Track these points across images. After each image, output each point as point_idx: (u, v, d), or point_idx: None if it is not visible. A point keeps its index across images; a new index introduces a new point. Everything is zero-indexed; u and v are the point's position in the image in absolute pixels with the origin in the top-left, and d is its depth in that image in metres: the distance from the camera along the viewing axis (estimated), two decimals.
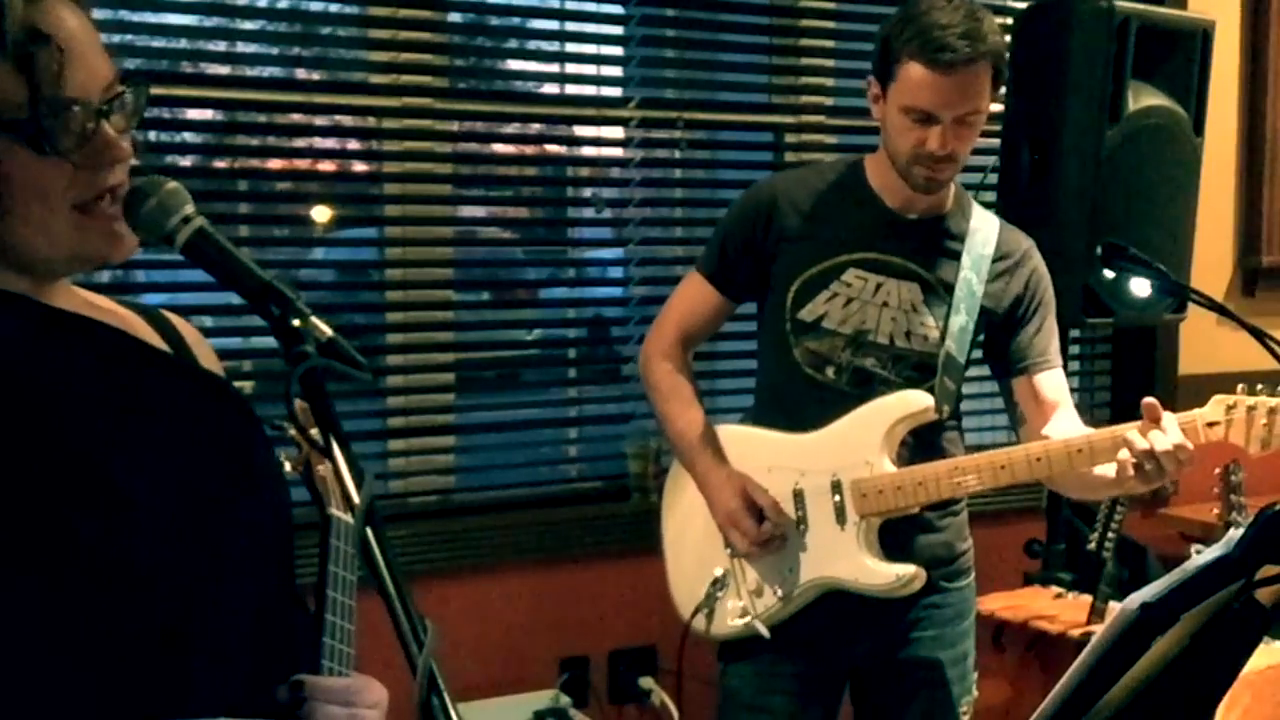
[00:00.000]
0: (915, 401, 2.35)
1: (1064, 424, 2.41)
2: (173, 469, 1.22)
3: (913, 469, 2.34)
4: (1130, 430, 2.17)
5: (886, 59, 2.27)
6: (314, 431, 1.16)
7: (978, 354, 2.48)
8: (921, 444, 2.38)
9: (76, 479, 1.14)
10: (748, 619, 2.39)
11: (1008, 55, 2.30)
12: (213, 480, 1.25)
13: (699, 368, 2.58)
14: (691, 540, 2.48)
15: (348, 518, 1.36)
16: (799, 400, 2.41)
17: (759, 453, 2.42)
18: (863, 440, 2.35)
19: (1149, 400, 2.17)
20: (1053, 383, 2.45)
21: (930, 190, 2.34)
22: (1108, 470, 2.24)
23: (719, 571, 2.43)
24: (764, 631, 2.38)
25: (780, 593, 2.39)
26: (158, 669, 1.17)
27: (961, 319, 2.37)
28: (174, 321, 1.38)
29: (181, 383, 1.30)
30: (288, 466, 1.39)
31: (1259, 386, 2.21)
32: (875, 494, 2.33)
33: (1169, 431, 2.14)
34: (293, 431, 1.39)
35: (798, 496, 2.39)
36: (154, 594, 1.17)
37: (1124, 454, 2.16)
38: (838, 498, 2.35)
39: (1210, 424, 2.20)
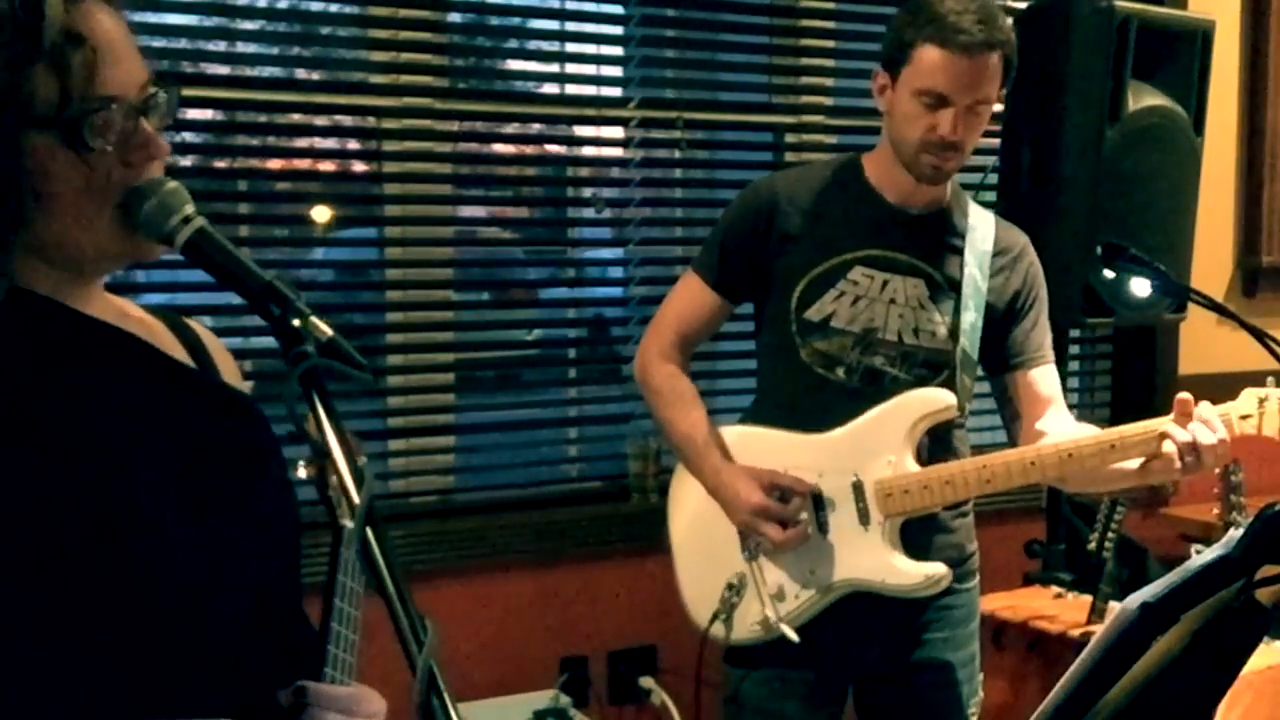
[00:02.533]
0: (938, 400, 2.34)
1: (1058, 419, 2.42)
2: (187, 484, 1.22)
3: (939, 467, 2.33)
4: (1167, 424, 2.19)
5: (900, 46, 2.27)
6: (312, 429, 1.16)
7: None
8: (935, 442, 2.38)
9: (91, 491, 1.15)
10: (770, 623, 2.35)
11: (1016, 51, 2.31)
12: (225, 495, 1.26)
13: (699, 368, 2.57)
14: (701, 544, 2.45)
15: None
16: (809, 401, 2.39)
17: (774, 454, 2.39)
18: (884, 439, 2.34)
19: (1183, 395, 2.19)
20: (1047, 378, 2.45)
21: (935, 181, 2.34)
22: (1128, 463, 2.26)
23: (733, 576, 2.39)
24: (793, 635, 2.34)
25: (802, 595, 2.36)
26: (165, 680, 1.18)
27: (972, 315, 2.37)
28: (198, 331, 1.39)
29: (200, 397, 1.31)
30: (301, 472, 1.39)
31: None
32: (900, 494, 2.31)
33: (1211, 424, 2.16)
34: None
35: (816, 498, 2.37)
36: (163, 606, 1.18)
37: (1169, 447, 2.18)
38: (860, 498, 2.34)
39: (1244, 416, 2.22)
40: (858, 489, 2.34)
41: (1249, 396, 2.23)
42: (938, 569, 2.34)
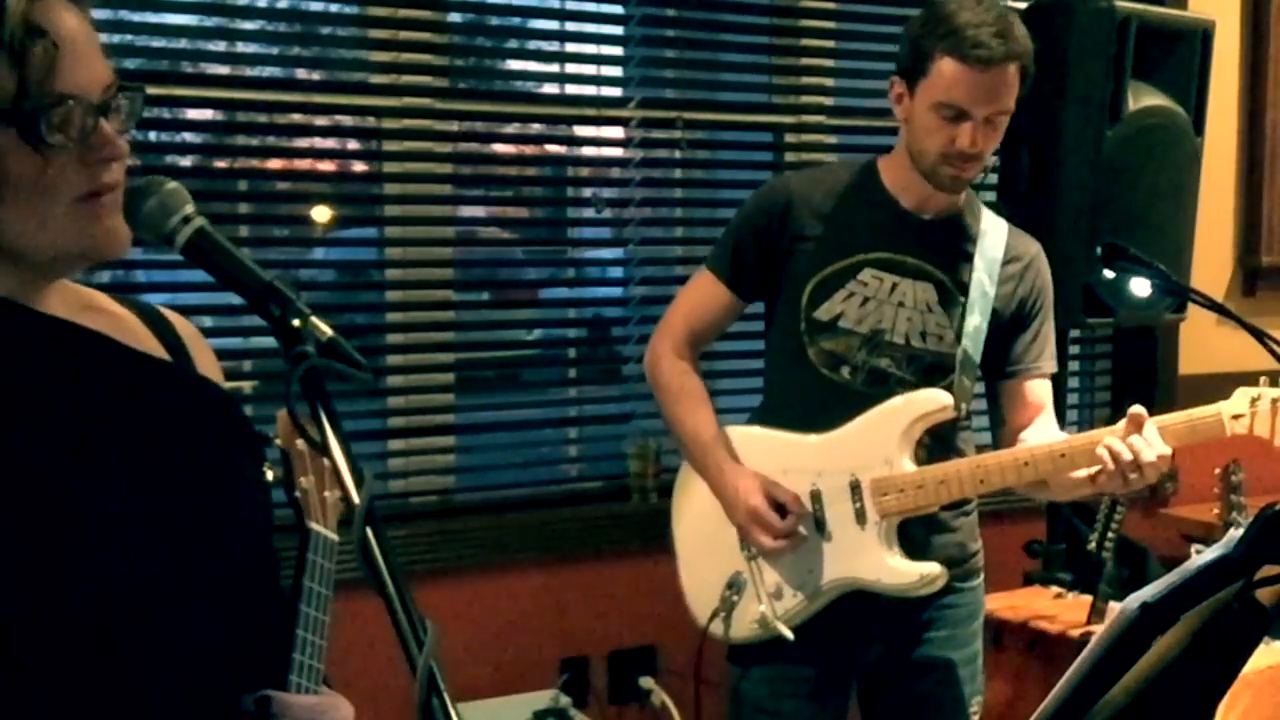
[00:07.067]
0: (933, 400, 2.35)
1: (1044, 427, 2.44)
2: (147, 487, 1.20)
3: (933, 467, 2.34)
4: (1110, 437, 2.21)
5: (917, 56, 2.27)
6: (311, 431, 1.16)
7: None
8: (938, 443, 2.38)
9: (38, 498, 1.13)
10: (768, 621, 2.36)
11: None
12: (190, 497, 1.23)
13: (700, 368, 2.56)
14: (704, 543, 2.46)
15: (328, 532, 1.36)
16: (814, 400, 2.39)
17: (774, 455, 2.40)
18: (880, 440, 2.34)
19: (1135, 409, 2.21)
20: (1040, 389, 2.48)
21: (955, 190, 2.35)
22: (1078, 473, 2.28)
23: (735, 574, 2.40)
24: (788, 634, 2.35)
25: (801, 594, 2.37)
26: (115, 694, 1.16)
27: (976, 320, 2.38)
28: (173, 321, 1.36)
29: (167, 391, 1.28)
30: (269, 475, 1.38)
31: None
32: (896, 493, 2.32)
33: (1152, 440, 2.18)
34: (278, 441, 1.38)
35: (815, 497, 2.37)
36: (111, 620, 1.15)
37: (1103, 455, 2.19)
38: (857, 498, 2.34)
39: (1235, 416, 2.23)
40: (855, 488, 2.35)
41: (1242, 396, 2.24)
42: (932, 568, 2.34)
